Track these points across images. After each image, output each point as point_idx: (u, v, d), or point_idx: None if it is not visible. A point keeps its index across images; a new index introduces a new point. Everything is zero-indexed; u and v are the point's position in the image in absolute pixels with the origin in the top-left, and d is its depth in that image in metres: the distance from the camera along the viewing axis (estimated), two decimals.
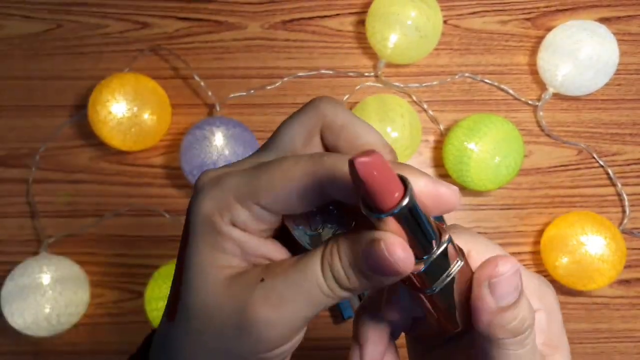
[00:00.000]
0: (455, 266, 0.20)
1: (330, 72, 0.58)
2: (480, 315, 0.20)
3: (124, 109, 0.53)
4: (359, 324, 0.25)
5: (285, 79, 0.58)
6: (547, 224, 0.55)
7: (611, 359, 0.56)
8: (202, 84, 0.57)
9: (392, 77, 0.58)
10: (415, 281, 0.20)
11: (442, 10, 0.56)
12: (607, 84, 0.56)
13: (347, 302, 0.52)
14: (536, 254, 0.56)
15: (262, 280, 0.20)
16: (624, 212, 0.56)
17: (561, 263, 0.52)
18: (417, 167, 0.20)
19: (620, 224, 0.56)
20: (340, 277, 0.19)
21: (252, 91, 0.58)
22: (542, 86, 0.58)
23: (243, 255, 0.21)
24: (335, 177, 0.19)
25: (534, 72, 0.58)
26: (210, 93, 0.57)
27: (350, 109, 0.57)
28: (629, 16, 0.59)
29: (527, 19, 0.59)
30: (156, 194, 0.57)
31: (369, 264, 0.18)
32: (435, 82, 0.58)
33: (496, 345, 0.21)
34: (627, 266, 0.55)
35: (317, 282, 0.19)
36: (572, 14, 0.59)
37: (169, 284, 0.58)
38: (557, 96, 0.57)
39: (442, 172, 0.57)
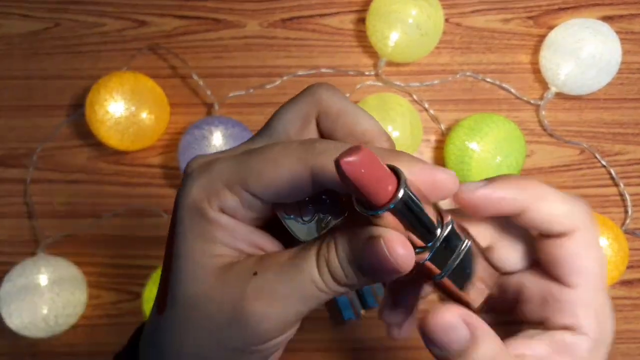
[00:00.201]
0: (463, 247, 0.19)
1: (330, 70, 0.58)
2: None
3: (122, 108, 0.52)
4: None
5: (285, 77, 0.57)
6: None
7: None
8: (200, 83, 0.56)
9: (392, 76, 0.58)
10: (422, 270, 0.19)
11: (443, 8, 0.55)
12: (609, 83, 0.55)
13: (348, 303, 0.52)
14: None
15: (255, 273, 0.19)
16: (626, 212, 0.56)
17: None
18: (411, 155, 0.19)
19: (623, 224, 0.56)
20: (337, 274, 0.19)
21: (251, 90, 0.57)
22: (544, 85, 0.57)
23: (233, 244, 0.20)
24: (328, 165, 0.18)
25: (536, 71, 0.58)
26: (208, 92, 0.56)
27: None
28: (631, 14, 0.59)
29: (530, 17, 0.59)
30: (154, 194, 0.56)
31: (368, 261, 0.18)
32: (436, 81, 0.58)
33: None
34: (630, 267, 0.54)
35: (311, 278, 0.19)
36: (575, 12, 0.59)
37: None
38: (560, 95, 0.57)
39: None
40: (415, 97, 0.57)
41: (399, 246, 0.17)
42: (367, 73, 0.58)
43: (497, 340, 0.20)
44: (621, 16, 0.59)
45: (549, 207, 0.21)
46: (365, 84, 0.57)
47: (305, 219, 0.20)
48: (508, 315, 0.24)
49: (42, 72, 0.58)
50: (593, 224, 0.21)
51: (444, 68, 0.58)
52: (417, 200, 0.17)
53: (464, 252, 0.20)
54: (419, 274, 0.20)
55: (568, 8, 0.59)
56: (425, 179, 0.18)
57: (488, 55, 0.58)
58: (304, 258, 0.19)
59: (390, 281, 0.23)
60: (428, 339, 0.20)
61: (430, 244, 0.19)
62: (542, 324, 0.22)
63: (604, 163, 0.56)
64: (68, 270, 0.53)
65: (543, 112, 0.57)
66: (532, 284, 0.22)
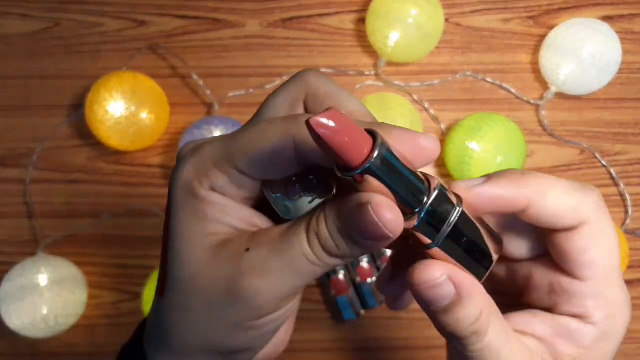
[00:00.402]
0: (454, 214, 0.19)
1: (330, 70, 0.57)
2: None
3: (122, 109, 0.52)
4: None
5: (285, 77, 0.57)
6: None
7: None
8: (200, 82, 0.56)
9: (392, 76, 0.58)
10: (414, 238, 0.19)
11: (443, 8, 0.55)
12: (609, 83, 0.55)
13: (347, 303, 0.52)
14: None
15: (248, 249, 0.19)
16: (626, 212, 0.56)
17: None
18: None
19: (623, 224, 0.55)
20: (328, 245, 0.19)
21: (251, 90, 0.57)
22: (544, 85, 0.57)
23: (227, 221, 0.20)
24: (309, 135, 0.18)
25: (536, 70, 0.57)
26: (208, 92, 0.56)
27: None
28: (632, 14, 0.59)
29: (530, 17, 0.59)
30: (154, 194, 0.56)
31: (358, 228, 0.18)
32: (436, 81, 0.58)
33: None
34: (630, 267, 0.54)
35: (302, 251, 0.19)
36: (575, 12, 0.59)
37: None
38: (560, 95, 0.57)
39: (444, 172, 0.56)
40: (415, 97, 0.57)
41: (386, 211, 0.17)
42: (367, 73, 0.58)
43: (486, 301, 0.20)
44: (621, 16, 0.58)
45: (553, 202, 0.20)
46: (365, 84, 0.57)
47: (292, 197, 0.20)
48: (516, 299, 0.24)
49: (42, 72, 0.58)
50: (603, 214, 0.20)
51: (444, 68, 0.58)
52: (397, 162, 0.17)
53: (455, 219, 0.19)
54: (414, 244, 0.19)
55: (568, 8, 0.59)
56: (405, 143, 0.18)
57: (488, 55, 0.58)
58: (295, 232, 0.19)
59: (388, 253, 0.22)
60: (414, 293, 0.19)
61: (417, 209, 0.18)
62: (549, 311, 0.22)
63: (604, 163, 0.56)
64: (68, 270, 0.53)
65: (543, 112, 0.57)
66: (542, 273, 0.22)
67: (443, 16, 0.55)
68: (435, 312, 0.19)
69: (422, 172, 0.19)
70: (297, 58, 0.58)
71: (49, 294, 0.51)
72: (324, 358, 0.55)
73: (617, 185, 0.56)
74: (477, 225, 0.20)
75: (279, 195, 0.20)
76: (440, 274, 0.19)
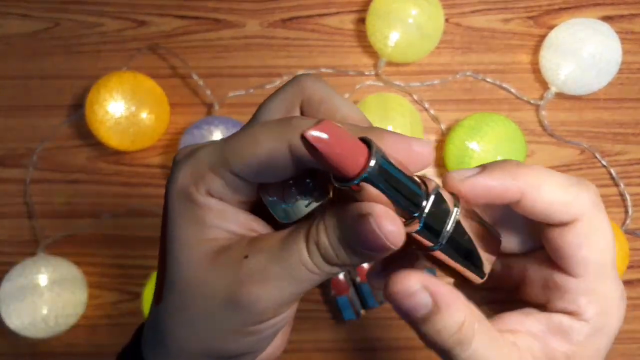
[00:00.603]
0: (453, 215, 0.19)
1: (330, 70, 0.57)
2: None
3: (122, 109, 0.52)
4: None
5: (285, 77, 0.57)
6: None
7: None
8: (200, 83, 0.56)
9: (393, 76, 0.58)
10: (416, 242, 0.19)
11: (443, 8, 0.55)
12: (610, 83, 0.55)
13: (348, 303, 0.52)
14: None
15: (247, 256, 0.19)
16: (626, 212, 0.56)
17: None
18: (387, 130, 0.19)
19: (623, 224, 0.55)
20: (328, 254, 0.19)
21: (251, 90, 0.57)
22: (544, 85, 0.57)
23: (225, 226, 0.20)
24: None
25: (536, 70, 0.57)
26: (208, 92, 0.56)
27: None
28: (632, 14, 0.59)
29: (530, 17, 0.59)
30: (154, 194, 0.56)
31: (358, 239, 0.18)
32: (436, 81, 0.58)
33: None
34: (630, 267, 0.54)
35: (301, 260, 0.19)
36: (575, 12, 0.59)
37: None
38: (560, 95, 0.57)
39: (444, 172, 0.56)
40: (415, 97, 0.57)
41: (387, 222, 0.17)
42: (367, 73, 0.58)
43: (467, 310, 0.19)
44: (621, 16, 0.58)
45: (547, 195, 0.20)
46: (365, 84, 0.57)
47: (288, 200, 0.20)
48: (511, 294, 0.24)
49: (42, 72, 0.58)
50: (598, 210, 0.20)
51: (444, 68, 0.58)
52: (393, 169, 0.17)
53: (453, 221, 0.19)
54: (416, 247, 0.19)
55: (568, 8, 0.59)
56: (399, 149, 0.18)
57: (488, 55, 0.58)
58: (294, 240, 0.19)
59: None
60: (391, 302, 0.19)
61: (416, 214, 0.18)
62: (543, 307, 0.22)
63: (604, 163, 0.56)
64: (68, 270, 0.53)
65: (543, 112, 0.57)
66: (536, 269, 0.22)
67: (443, 16, 0.55)
68: (415, 323, 0.19)
69: (418, 176, 0.19)
70: (297, 58, 0.58)
71: (49, 294, 0.51)
72: (324, 358, 0.55)
73: (617, 185, 0.56)
74: (480, 226, 0.20)
75: (275, 198, 0.20)
76: (415, 282, 0.19)
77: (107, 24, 0.59)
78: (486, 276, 0.21)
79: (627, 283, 0.56)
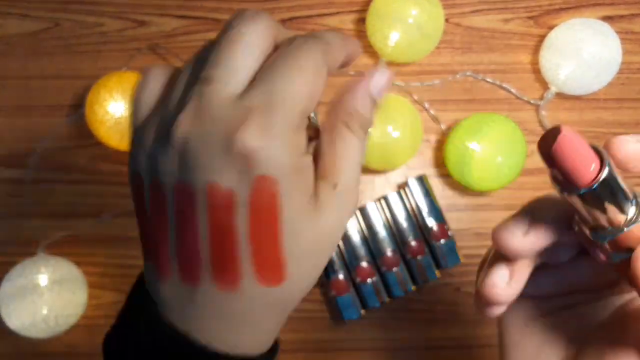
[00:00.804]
0: None
1: None
2: None
3: (122, 108, 0.52)
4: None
5: None
6: None
7: None
8: None
9: None
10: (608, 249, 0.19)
11: (443, 8, 0.55)
12: (610, 83, 0.55)
13: (347, 303, 0.52)
14: None
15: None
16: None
17: None
18: None
19: None
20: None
21: None
22: (544, 85, 0.57)
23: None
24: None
25: (536, 70, 0.57)
26: None
27: None
28: (632, 14, 0.59)
29: (530, 17, 0.59)
30: None
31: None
32: (436, 81, 0.58)
33: None
34: None
35: None
36: (575, 12, 0.59)
37: None
38: (560, 95, 0.57)
39: (444, 172, 0.56)
40: (415, 97, 0.57)
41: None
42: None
43: None
44: (621, 16, 0.58)
45: None
46: None
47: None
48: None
49: (42, 72, 0.58)
50: None
51: (444, 68, 0.58)
52: (616, 179, 0.17)
53: None
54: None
55: (569, 8, 0.59)
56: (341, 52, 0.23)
57: (488, 55, 0.58)
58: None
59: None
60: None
61: (632, 218, 0.18)
62: None
63: None
64: (68, 270, 0.53)
65: (543, 112, 0.57)
66: None
67: (443, 16, 0.55)
68: None
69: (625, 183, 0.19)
70: None
71: (49, 294, 0.51)
72: (324, 358, 0.55)
73: None
74: None
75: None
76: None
77: (107, 24, 0.59)
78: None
79: None
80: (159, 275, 0.22)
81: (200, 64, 0.21)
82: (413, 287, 0.53)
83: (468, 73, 0.58)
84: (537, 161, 0.57)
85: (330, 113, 0.23)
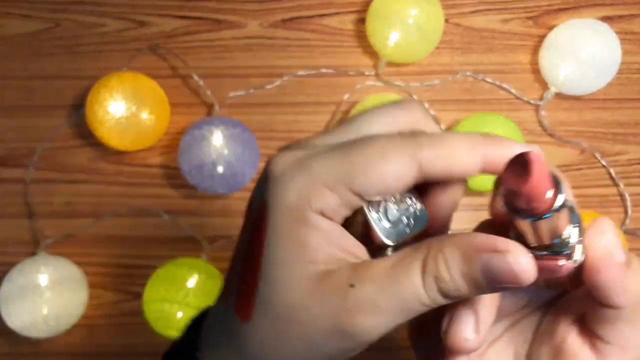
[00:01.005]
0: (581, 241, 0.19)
1: (331, 71, 0.58)
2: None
3: (122, 109, 0.52)
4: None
5: (285, 78, 0.57)
6: None
7: None
8: (201, 83, 0.56)
9: (393, 76, 0.58)
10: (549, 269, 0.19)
11: (443, 8, 0.55)
12: (609, 83, 0.55)
13: None
14: None
15: (352, 285, 0.18)
16: (626, 212, 0.56)
17: None
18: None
19: (623, 224, 0.56)
20: (448, 288, 0.18)
21: (251, 90, 0.57)
22: (544, 85, 0.57)
23: (328, 249, 0.19)
24: (432, 158, 0.18)
25: (536, 71, 0.58)
26: (209, 92, 0.56)
27: (351, 108, 0.56)
28: (631, 15, 0.59)
29: (529, 18, 0.59)
30: (155, 194, 0.56)
31: (491, 276, 0.17)
32: (436, 81, 0.58)
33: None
34: None
35: (415, 293, 0.18)
36: (575, 12, 0.59)
37: (168, 285, 0.56)
38: (559, 95, 0.57)
39: None
40: (415, 97, 0.57)
41: (526, 261, 0.17)
42: (367, 73, 0.58)
43: None
44: (621, 16, 0.59)
45: None
46: (366, 84, 0.57)
47: (391, 220, 0.20)
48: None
49: (42, 72, 0.58)
50: None
51: (444, 68, 0.58)
52: (570, 207, 0.18)
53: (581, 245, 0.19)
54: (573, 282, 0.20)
55: (568, 8, 0.59)
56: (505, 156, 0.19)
57: (488, 55, 0.58)
58: (406, 272, 0.18)
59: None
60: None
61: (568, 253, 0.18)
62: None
63: (603, 163, 0.56)
64: (68, 270, 0.53)
65: (543, 112, 0.57)
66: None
67: (443, 16, 0.55)
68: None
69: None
70: (297, 58, 0.58)
71: (49, 294, 0.51)
72: None
73: (616, 185, 0.56)
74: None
75: (379, 216, 0.20)
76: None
77: (107, 24, 0.59)
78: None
79: None
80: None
81: None
82: None
83: (468, 73, 0.58)
84: None
85: None
